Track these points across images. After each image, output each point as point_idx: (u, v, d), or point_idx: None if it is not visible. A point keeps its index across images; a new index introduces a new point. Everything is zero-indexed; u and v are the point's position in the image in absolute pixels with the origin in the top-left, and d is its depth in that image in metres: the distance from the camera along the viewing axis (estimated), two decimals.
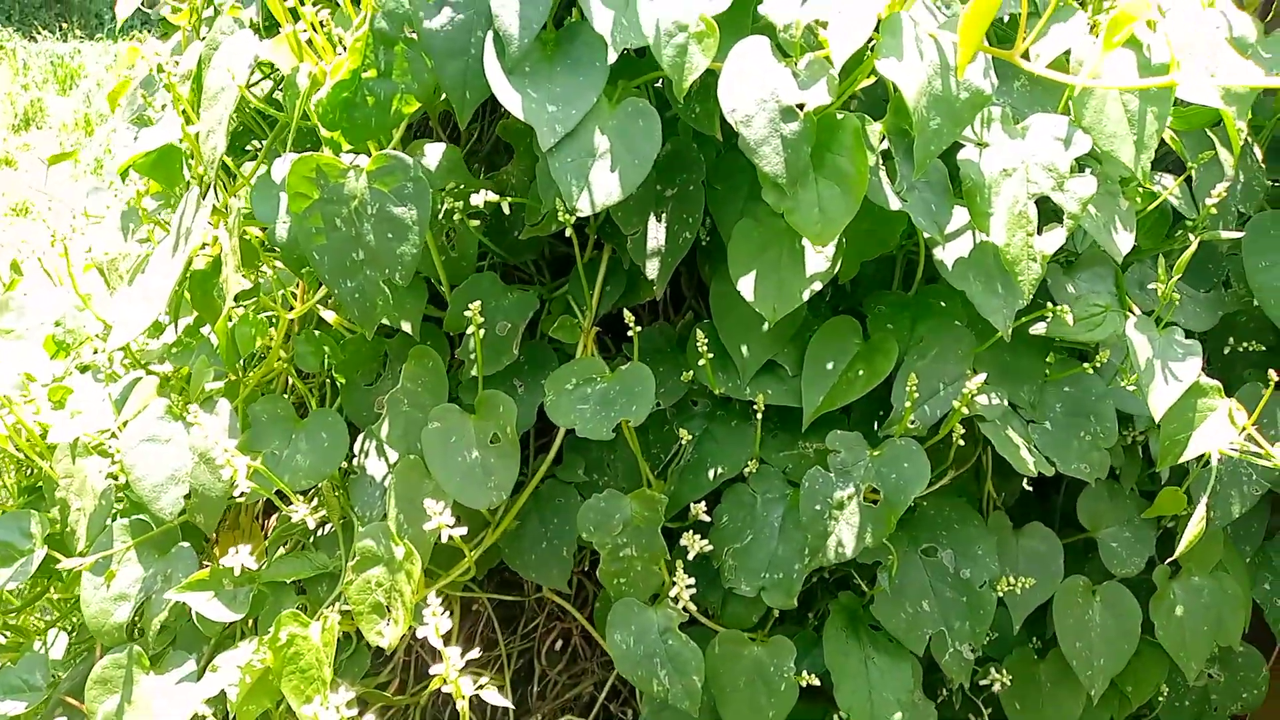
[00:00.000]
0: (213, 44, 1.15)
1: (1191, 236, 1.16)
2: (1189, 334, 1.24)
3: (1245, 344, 1.28)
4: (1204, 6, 1.10)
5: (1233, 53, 1.05)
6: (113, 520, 1.13)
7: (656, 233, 1.07)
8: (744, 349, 1.10)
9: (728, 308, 1.10)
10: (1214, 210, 1.14)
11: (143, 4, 1.60)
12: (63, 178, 6.14)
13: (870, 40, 0.90)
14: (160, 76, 1.15)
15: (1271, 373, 1.05)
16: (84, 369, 1.25)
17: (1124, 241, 1.04)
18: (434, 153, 1.10)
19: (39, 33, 8.73)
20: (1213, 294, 1.26)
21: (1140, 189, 1.09)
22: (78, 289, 1.17)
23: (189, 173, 1.27)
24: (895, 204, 0.96)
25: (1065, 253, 1.14)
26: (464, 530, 0.93)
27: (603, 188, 0.93)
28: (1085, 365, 1.09)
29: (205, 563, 1.31)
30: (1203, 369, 1.34)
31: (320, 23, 1.03)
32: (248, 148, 1.41)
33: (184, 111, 1.11)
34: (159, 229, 1.44)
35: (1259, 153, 1.26)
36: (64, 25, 8.74)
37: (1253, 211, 1.23)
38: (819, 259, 1.00)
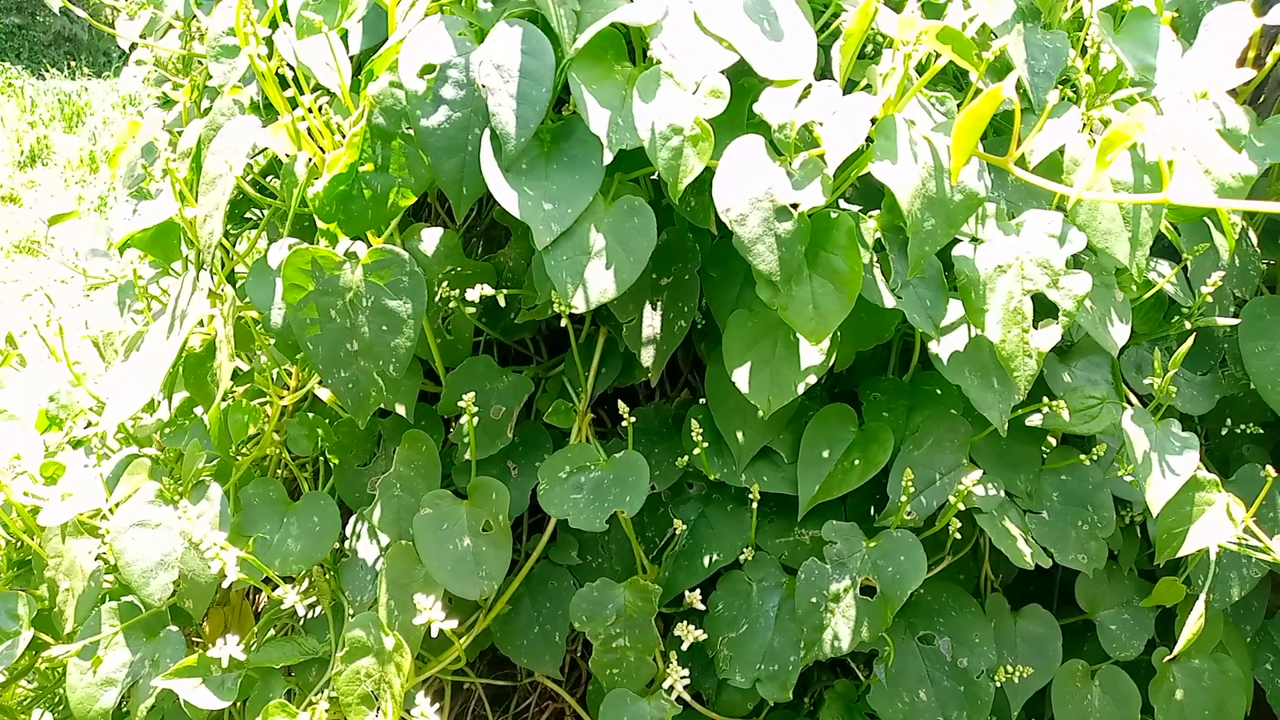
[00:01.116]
0: (213, 125, 1.16)
1: (1188, 324, 1.16)
2: (1186, 418, 1.24)
3: (1243, 425, 1.28)
4: (1196, 98, 1.11)
5: (1225, 147, 1.05)
6: (101, 602, 1.11)
7: (652, 320, 1.07)
8: (739, 435, 1.09)
9: (723, 393, 1.10)
10: (1209, 298, 1.14)
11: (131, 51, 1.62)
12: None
13: (865, 139, 0.91)
14: (162, 148, 1.15)
15: (1269, 469, 1.04)
16: (76, 444, 1.24)
17: (1119, 334, 1.04)
18: (431, 238, 1.11)
19: (47, 70, 8.81)
20: (1209, 377, 1.26)
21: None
22: (72, 368, 1.17)
23: (187, 247, 1.28)
24: (890, 301, 0.96)
25: (1061, 339, 1.14)
26: (454, 624, 0.93)
27: (598, 285, 0.93)
28: (1082, 457, 1.08)
29: (195, 638, 1.30)
30: (1201, 446, 1.34)
31: (319, 108, 1.04)
32: (247, 215, 1.42)
33: (181, 194, 1.11)
34: (156, 293, 1.44)
35: (1254, 237, 1.26)
36: (72, 63, 8.82)
37: (1249, 295, 1.24)
38: (814, 352, 1.00)
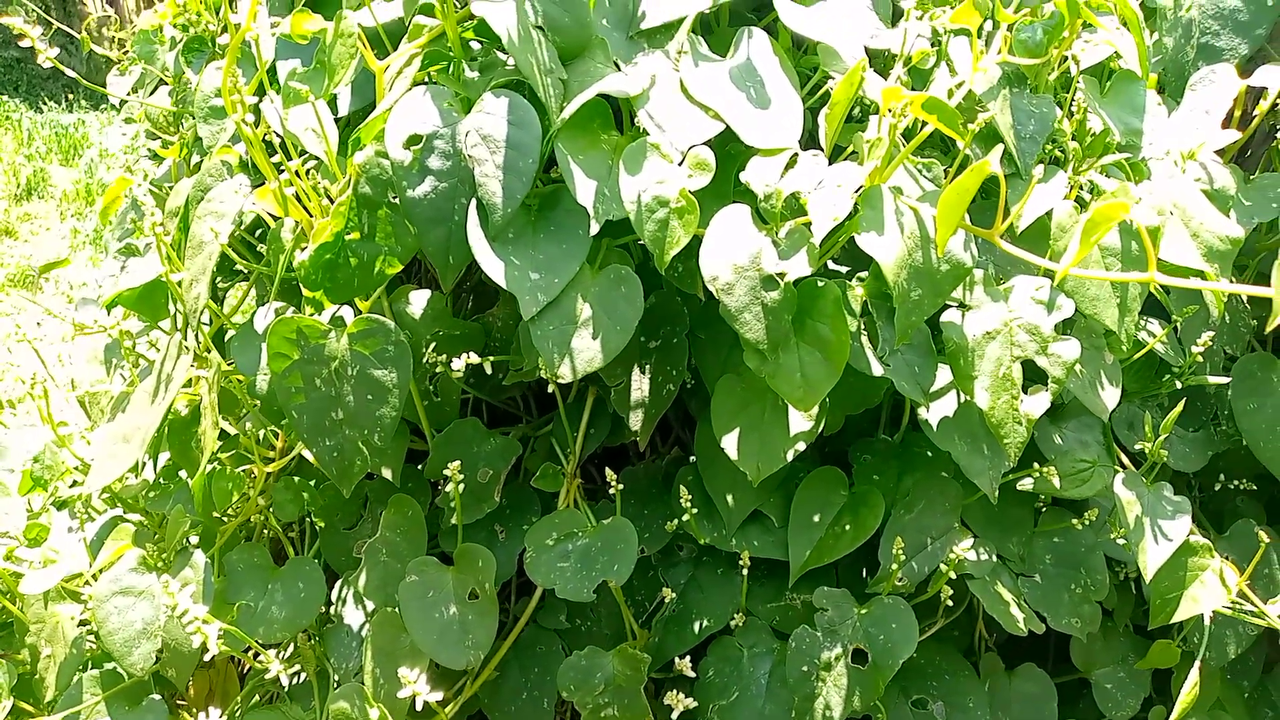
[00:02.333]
0: (201, 185, 1.16)
1: (1179, 384, 1.16)
2: (1178, 474, 1.24)
3: (1236, 481, 1.27)
4: (1184, 160, 1.12)
5: (1213, 211, 1.05)
6: (83, 669, 1.10)
7: (640, 384, 1.07)
8: (729, 498, 1.08)
9: (712, 455, 1.09)
10: (1200, 357, 1.14)
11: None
12: (62, 248, 6.17)
13: (852, 208, 0.90)
14: (149, 209, 1.15)
15: (1262, 534, 1.03)
16: (60, 505, 1.23)
17: (1109, 398, 1.04)
18: (419, 300, 1.10)
19: (45, 103, 8.84)
20: (1202, 433, 1.25)
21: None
22: (56, 430, 1.16)
23: (174, 306, 1.27)
24: (878, 370, 0.95)
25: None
26: (439, 695, 0.91)
27: (584, 355, 0.92)
28: (1075, 521, 1.07)
29: (180, 700, 1.28)
30: (1195, 500, 1.33)
31: (306, 172, 1.04)
32: (237, 267, 1.41)
33: (168, 258, 1.11)
34: (146, 342, 1.44)
35: (1244, 296, 1.26)
36: (70, 96, 8.85)
37: (1239, 352, 1.23)
38: (802, 418, 0.99)
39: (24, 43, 1.31)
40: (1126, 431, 1.20)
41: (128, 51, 1.71)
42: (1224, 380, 1.18)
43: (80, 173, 7.82)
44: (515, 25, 0.94)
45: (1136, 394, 1.20)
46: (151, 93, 1.47)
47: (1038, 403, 0.96)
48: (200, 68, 1.31)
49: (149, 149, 1.45)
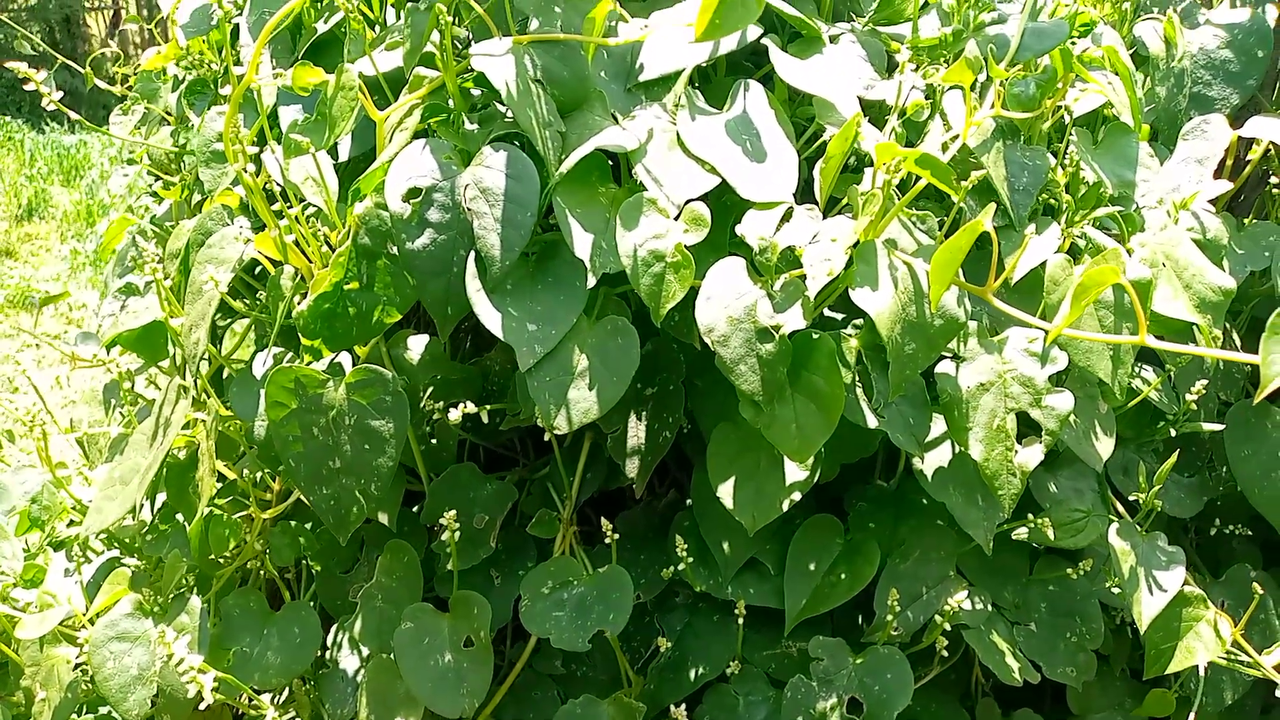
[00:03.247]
0: (202, 229, 1.17)
1: (1173, 431, 1.16)
2: (1174, 520, 1.24)
3: (1231, 526, 1.27)
4: (1177, 209, 1.13)
5: (1205, 262, 1.06)
6: (79, 714, 1.10)
7: (637, 431, 1.07)
8: (725, 545, 1.08)
9: (708, 501, 1.09)
10: (1194, 405, 1.15)
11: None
12: (62, 268, 6.18)
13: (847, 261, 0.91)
14: (150, 252, 1.16)
15: (1257, 586, 1.04)
16: (58, 546, 1.23)
17: (1104, 448, 1.04)
18: (417, 345, 1.11)
19: (47, 124, 8.88)
20: (1197, 479, 1.26)
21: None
22: (54, 472, 1.16)
23: (174, 346, 1.28)
24: (872, 422, 0.96)
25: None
26: None
27: (580, 407, 0.93)
28: (1069, 571, 1.07)
29: None
30: (1191, 545, 1.33)
31: (307, 218, 1.05)
32: (237, 303, 1.42)
33: (168, 301, 1.11)
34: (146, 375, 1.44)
35: (1237, 340, 1.27)
36: (72, 117, 8.88)
37: (1234, 398, 1.24)
38: (798, 468, 0.99)
39: (28, 64, 1.32)
40: (1122, 477, 1.20)
41: (130, 87, 1.73)
42: (1218, 427, 1.18)
43: (81, 194, 7.85)
44: (514, 79, 0.95)
45: (1131, 440, 1.20)
46: (153, 133, 1.48)
47: (1032, 455, 0.97)
48: (203, 110, 1.32)
49: (150, 189, 1.46)
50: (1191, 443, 1.27)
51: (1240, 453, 1.20)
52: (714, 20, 0.62)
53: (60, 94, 1.38)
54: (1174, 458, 1.04)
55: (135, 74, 1.62)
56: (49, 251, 6.72)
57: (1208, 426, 1.18)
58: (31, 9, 9.76)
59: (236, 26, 1.27)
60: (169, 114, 1.44)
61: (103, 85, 1.78)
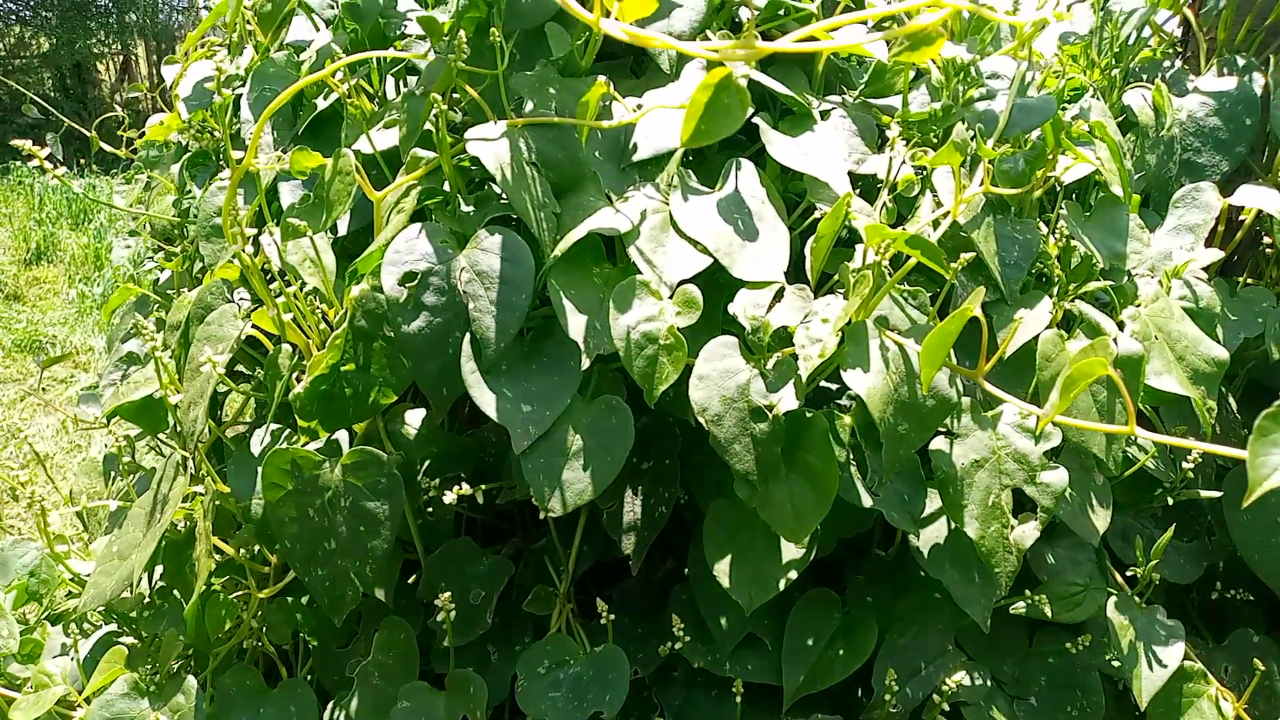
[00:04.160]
0: (202, 304, 1.18)
1: (1170, 499, 1.16)
2: (1175, 585, 1.23)
3: (1232, 590, 1.26)
4: (1168, 278, 1.13)
5: (1198, 333, 1.07)
6: None
7: (633, 506, 1.07)
8: (722, 621, 1.08)
9: (705, 576, 1.08)
10: (1191, 473, 1.14)
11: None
12: (70, 312, 6.21)
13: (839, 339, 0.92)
14: (149, 329, 1.17)
15: (1258, 662, 1.03)
16: (55, 620, 1.23)
17: (1100, 521, 1.04)
18: (414, 420, 1.11)
19: (61, 164, 8.95)
20: (1196, 544, 1.25)
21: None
22: (53, 548, 1.16)
23: (173, 418, 1.28)
24: (867, 501, 0.96)
25: None
26: None
27: (575, 488, 0.93)
28: (1069, 645, 1.07)
29: None
30: (1193, 608, 1.32)
31: (304, 295, 1.06)
32: (238, 368, 1.43)
33: (170, 379, 1.12)
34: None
35: (1233, 403, 1.27)
36: (81, 161, 8.98)
37: (1231, 463, 1.24)
38: (794, 546, 0.99)
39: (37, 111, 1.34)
40: (1120, 543, 1.19)
41: (135, 150, 1.75)
42: (1216, 494, 1.18)
43: (90, 237, 7.91)
44: (509, 163, 0.96)
45: (1129, 507, 1.20)
46: (155, 201, 1.50)
47: (1028, 532, 0.96)
48: (205, 181, 1.34)
49: (154, 251, 1.48)
50: (1190, 507, 1.26)
51: (1239, 518, 1.19)
52: (699, 126, 0.62)
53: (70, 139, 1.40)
54: (1169, 532, 1.04)
55: (140, 139, 1.65)
56: (57, 295, 6.75)
57: (1205, 494, 1.18)
58: (44, 56, 9.90)
59: (238, 99, 1.29)
60: (172, 183, 1.46)
61: (108, 148, 1.81)
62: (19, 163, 9.03)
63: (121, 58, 9.95)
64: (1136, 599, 1.07)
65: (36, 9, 9.01)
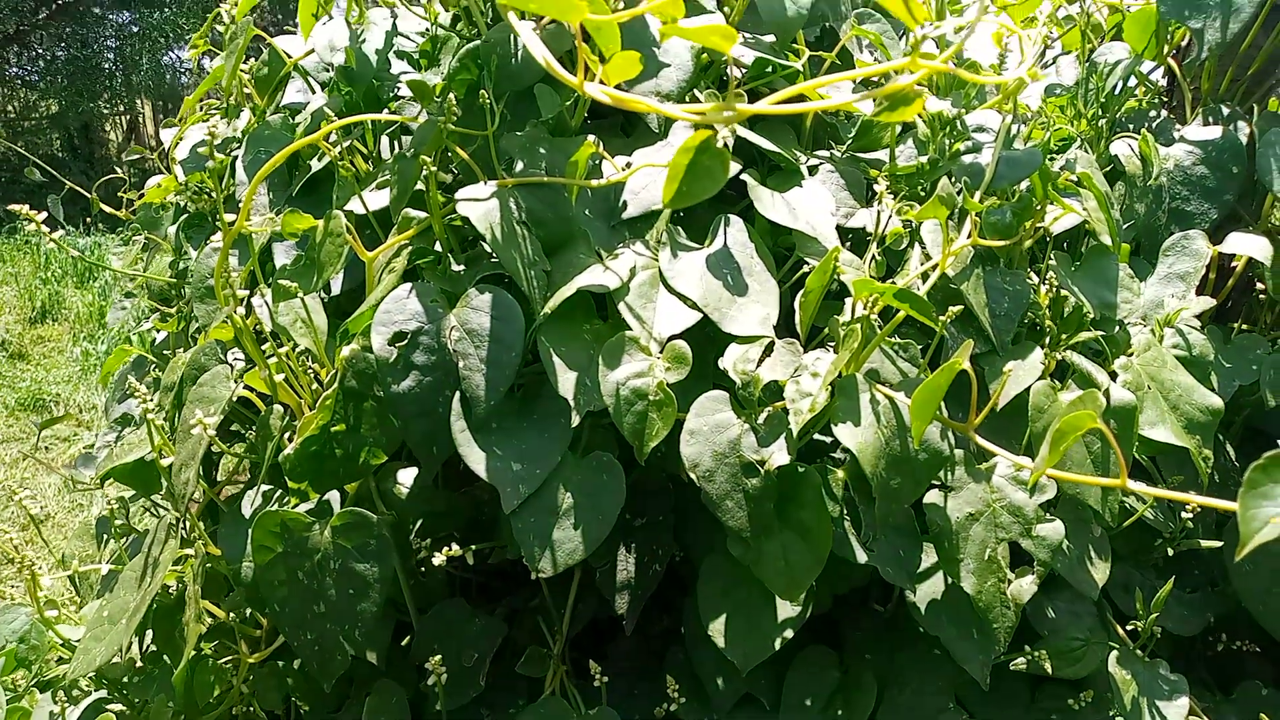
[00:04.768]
0: (196, 364, 1.18)
1: (1170, 549, 1.14)
2: (1180, 640, 1.21)
3: (1239, 642, 1.24)
4: (1160, 326, 1.13)
5: (1192, 382, 1.06)
6: None
7: (626, 564, 1.06)
8: (718, 681, 1.06)
9: (700, 635, 1.07)
10: (1190, 523, 1.13)
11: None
12: (74, 370, 6.23)
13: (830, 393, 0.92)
14: (142, 392, 1.17)
15: (1264, 717, 1.01)
16: (44, 686, 1.21)
17: (1099, 574, 1.03)
18: (406, 479, 1.11)
19: (63, 227, 9.04)
20: (1200, 595, 1.23)
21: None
22: (43, 613, 1.15)
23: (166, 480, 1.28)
24: (862, 557, 0.95)
25: None
26: None
27: (566, 547, 0.92)
28: (1071, 701, 1.05)
29: None
30: (1201, 659, 1.30)
31: (296, 355, 1.06)
32: (233, 427, 1.43)
33: (159, 442, 1.12)
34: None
35: (1231, 451, 1.26)
36: (87, 220, 9.08)
37: (1231, 512, 1.22)
38: (790, 604, 0.98)
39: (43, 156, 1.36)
40: (1122, 595, 1.18)
41: (135, 211, 1.77)
42: (1217, 544, 1.16)
43: (94, 295, 7.95)
44: (499, 222, 0.97)
45: (1129, 558, 1.18)
46: (152, 262, 1.51)
47: (1025, 587, 0.95)
48: (200, 243, 1.35)
49: (151, 310, 1.48)
50: (1193, 557, 1.25)
51: (1242, 567, 1.18)
52: (681, 188, 0.63)
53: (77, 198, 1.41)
54: (1169, 585, 1.02)
55: (139, 201, 1.67)
56: (61, 353, 6.77)
57: (1206, 543, 1.17)
58: (53, 118, 10.07)
59: (234, 161, 1.31)
60: (169, 244, 1.47)
61: (107, 209, 1.83)
62: (26, 222, 9.14)
63: (128, 119, 10.11)
64: (1139, 652, 1.05)
65: (45, 73, 9.18)
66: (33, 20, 8.42)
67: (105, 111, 9.91)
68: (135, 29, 8.71)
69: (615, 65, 0.75)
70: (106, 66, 8.90)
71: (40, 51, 9.17)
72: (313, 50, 1.26)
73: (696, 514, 1.08)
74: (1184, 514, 1.13)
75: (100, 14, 8.93)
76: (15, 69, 9.25)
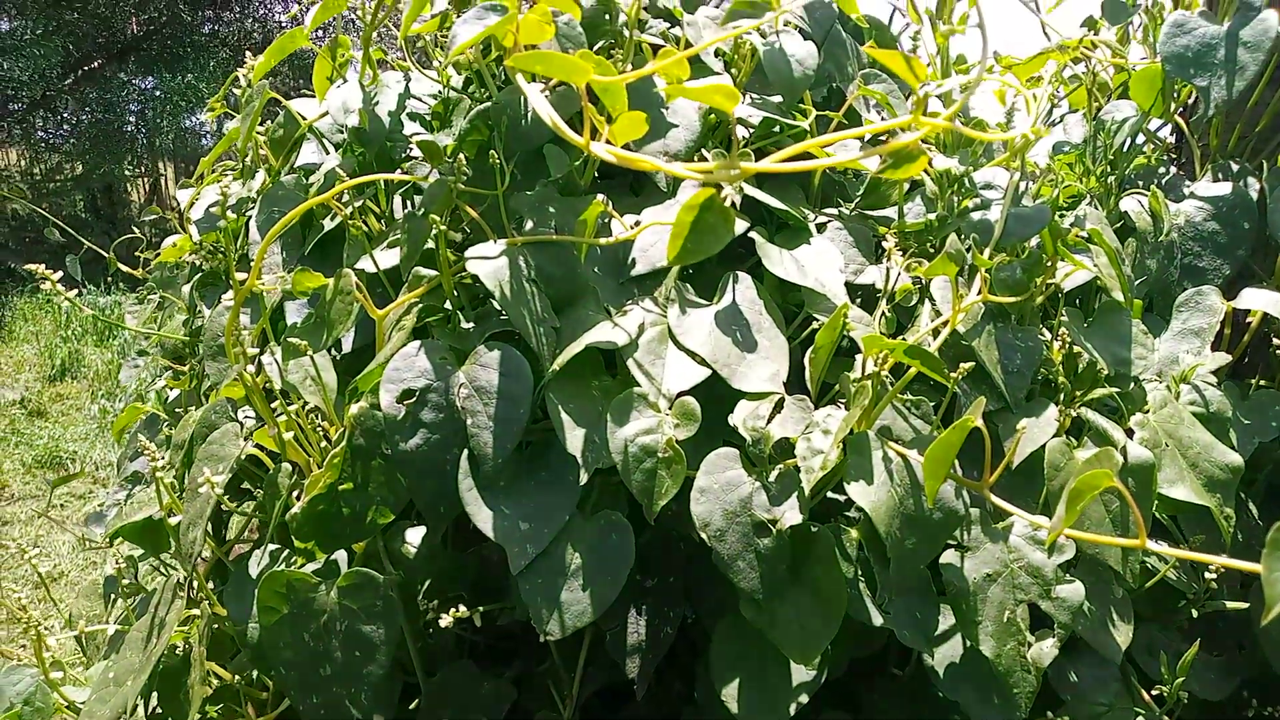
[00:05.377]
0: (206, 422, 1.18)
1: (1194, 611, 1.12)
2: (1208, 704, 1.17)
3: (1269, 708, 1.21)
4: (1176, 383, 1.12)
5: (1210, 440, 1.04)
6: None
7: (637, 626, 1.04)
8: None
9: (713, 700, 1.05)
10: (1214, 584, 1.11)
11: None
12: (92, 427, 6.25)
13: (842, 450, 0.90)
14: (151, 449, 1.17)
15: None
16: None
17: (1122, 636, 1.00)
18: (414, 538, 1.10)
19: (85, 286, 9.17)
20: (1227, 658, 1.20)
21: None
22: (48, 675, 1.14)
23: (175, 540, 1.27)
24: (878, 619, 0.93)
25: None
26: None
27: (574, 609, 0.91)
28: None
29: None
30: None
31: (306, 413, 1.06)
32: (244, 485, 1.42)
33: (168, 501, 1.12)
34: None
35: (1254, 509, 1.23)
36: (108, 278, 9.20)
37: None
38: (805, 667, 0.96)
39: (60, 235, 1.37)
40: (1147, 657, 1.15)
41: (151, 270, 1.79)
42: (1242, 606, 1.14)
43: (113, 353, 8.03)
44: (508, 281, 0.97)
45: (1153, 619, 1.16)
46: (167, 321, 1.53)
47: (1046, 650, 0.93)
48: (214, 302, 1.36)
49: (164, 369, 1.49)
50: (1219, 619, 1.22)
51: (1269, 631, 1.15)
52: (685, 245, 0.63)
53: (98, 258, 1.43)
54: (1195, 648, 1.00)
55: (155, 260, 1.68)
56: (79, 411, 6.80)
57: (1231, 605, 1.14)
58: (77, 178, 10.27)
59: (249, 221, 1.32)
60: (184, 303, 1.48)
61: (124, 268, 1.85)
62: (50, 272, 9.27)
63: (150, 180, 10.31)
64: (1166, 718, 1.02)
65: (70, 136, 9.40)
66: (59, 85, 8.64)
67: (128, 173, 10.11)
68: (158, 93, 8.93)
69: (622, 125, 0.76)
70: (129, 130, 9.10)
71: (65, 116, 9.40)
72: (327, 112, 1.28)
73: (709, 575, 1.07)
74: (1208, 574, 1.10)
75: (125, 79, 9.16)
76: (41, 133, 9.47)
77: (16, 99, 8.39)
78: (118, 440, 1.63)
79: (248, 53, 1.43)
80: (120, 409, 6.63)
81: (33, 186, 10.00)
